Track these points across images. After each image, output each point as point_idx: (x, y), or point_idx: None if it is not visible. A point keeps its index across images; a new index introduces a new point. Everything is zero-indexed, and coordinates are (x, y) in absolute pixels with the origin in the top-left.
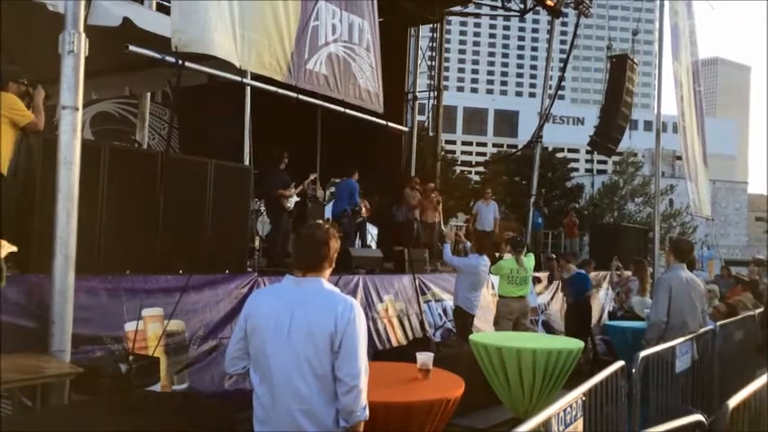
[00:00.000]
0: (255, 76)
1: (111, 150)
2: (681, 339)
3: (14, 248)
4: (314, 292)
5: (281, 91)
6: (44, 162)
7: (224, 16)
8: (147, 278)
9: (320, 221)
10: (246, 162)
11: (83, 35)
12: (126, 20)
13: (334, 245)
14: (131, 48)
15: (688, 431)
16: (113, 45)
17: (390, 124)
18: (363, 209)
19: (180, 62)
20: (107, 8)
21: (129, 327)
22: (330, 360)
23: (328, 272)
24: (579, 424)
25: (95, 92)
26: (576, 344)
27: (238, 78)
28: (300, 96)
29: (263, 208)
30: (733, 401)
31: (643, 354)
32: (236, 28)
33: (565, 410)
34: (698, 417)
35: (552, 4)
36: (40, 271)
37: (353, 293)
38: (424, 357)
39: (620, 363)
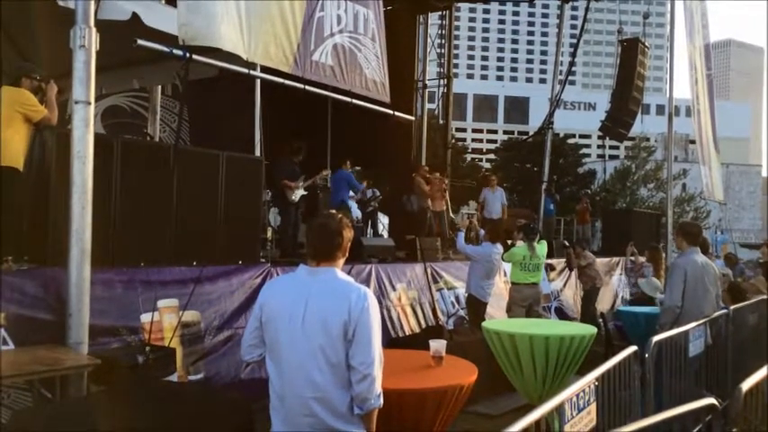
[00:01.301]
0: (263, 69)
1: (123, 144)
2: (694, 324)
3: None
4: (328, 281)
5: (288, 82)
6: (58, 156)
7: (230, 9)
8: (161, 270)
9: (333, 211)
10: (257, 153)
11: (93, 30)
12: (135, 14)
13: (348, 234)
14: (140, 42)
15: (701, 415)
16: (123, 39)
17: (397, 114)
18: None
19: (187, 55)
20: (116, 3)
21: (145, 318)
22: (344, 348)
23: (342, 261)
24: (593, 409)
25: (105, 86)
26: (588, 330)
27: (245, 70)
28: (307, 87)
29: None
30: (746, 385)
31: (656, 339)
32: (242, 20)
33: (578, 395)
34: (711, 400)
35: None
36: (56, 264)
37: (366, 282)
38: (437, 345)
39: (633, 348)
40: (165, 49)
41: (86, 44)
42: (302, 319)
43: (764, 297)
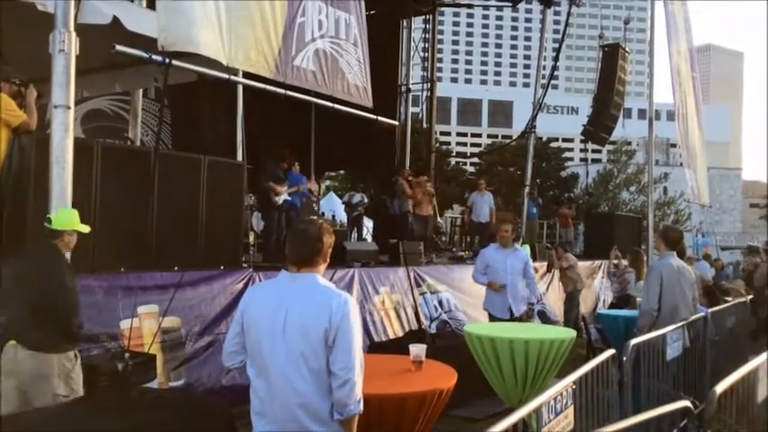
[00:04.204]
0: (245, 74)
1: (103, 148)
2: (672, 327)
3: None
4: (308, 287)
5: (269, 88)
6: (37, 161)
7: (210, 14)
8: (142, 275)
9: (314, 217)
10: (240, 158)
11: (73, 34)
12: (116, 18)
13: (328, 240)
14: (118, 48)
15: (676, 417)
16: (105, 42)
17: (380, 119)
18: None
19: (167, 61)
20: (97, 6)
21: (125, 324)
22: (325, 354)
23: (323, 267)
24: (570, 412)
25: (86, 89)
26: (568, 333)
27: (226, 76)
28: (289, 93)
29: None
30: (720, 387)
31: (634, 342)
32: (222, 26)
33: (555, 399)
34: (685, 403)
35: None
36: None
37: (349, 286)
38: (417, 349)
39: (611, 351)
40: (144, 54)
41: (66, 48)
42: (283, 325)
43: (743, 300)
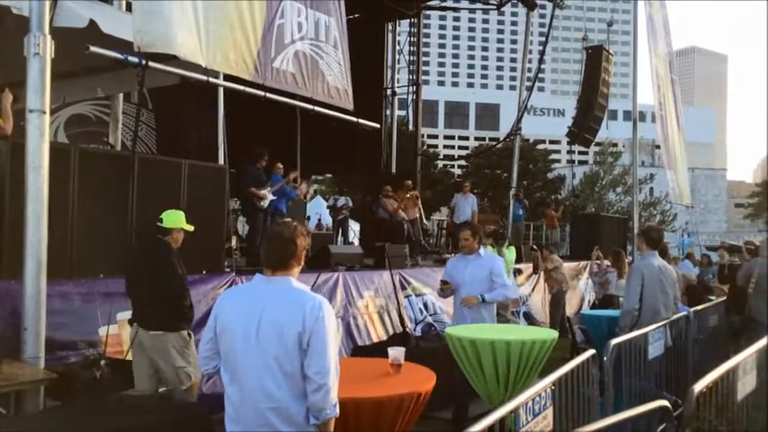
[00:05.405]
0: (226, 76)
1: (81, 153)
2: (653, 326)
3: None
4: (282, 290)
5: (249, 90)
6: (12, 167)
7: (187, 16)
8: (121, 281)
9: (288, 219)
10: (221, 161)
11: (48, 37)
12: (93, 21)
13: (302, 242)
14: (92, 49)
15: (654, 417)
16: (81, 47)
17: (361, 121)
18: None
19: (143, 62)
20: (73, 9)
21: (104, 331)
22: (299, 358)
23: (297, 270)
24: (549, 413)
25: (67, 94)
26: (550, 334)
27: (204, 78)
28: (268, 95)
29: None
30: (698, 386)
31: (615, 342)
32: (200, 27)
33: (533, 400)
34: (663, 402)
35: None
36: (11, 277)
37: (333, 290)
38: (396, 352)
39: (591, 351)
40: (120, 56)
41: (41, 52)
42: (257, 329)
43: (724, 299)
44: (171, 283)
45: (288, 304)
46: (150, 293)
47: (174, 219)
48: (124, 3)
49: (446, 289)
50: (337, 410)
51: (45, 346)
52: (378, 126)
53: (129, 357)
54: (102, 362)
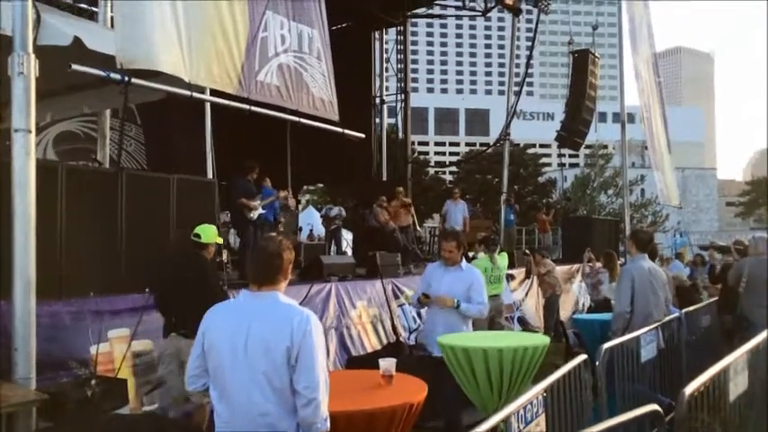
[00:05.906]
0: (211, 90)
1: (68, 170)
2: (645, 329)
3: None
4: (269, 305)
5: (233, 104)
6: None
7: (170, 31)
8: (111, 299)
9: (273, 234)
10: (210, 175)
11: (32, 56)
12: (77, 38)
13: (288, 256)
14: (74, 67)
15: (645, 421)
16: (66, 64)
17: (347, 132)
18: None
19: (126, 79)
20: (57, 27)
21: (95, 349)
22: (288, 373)
23: (284, 284)
24: (541, 420)
25: (53, 112)
26: (542, 339)
27: (188, 93)
28: (253, 108)
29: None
30: (689, 388)
31: (607, 345)
32: (182, 42)
33: (525, 408)
34: (654, 407)
35: (511, 3)
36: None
37: (326, 301)
38: (387, 363)
39: (583, 356)
40: (102, 73)
41: (25, 71)
42: (245, 345)
43: (716, 299)
44: (211, 291)
45: (275, 319)
46: (195, 305)
47: (211, 234)
48: (109, 19)
49: (426, 303)
50: (328, 424)
51: (36, 367)
52: (363, 136)
53: (121, 375)
54: (93, 381)
